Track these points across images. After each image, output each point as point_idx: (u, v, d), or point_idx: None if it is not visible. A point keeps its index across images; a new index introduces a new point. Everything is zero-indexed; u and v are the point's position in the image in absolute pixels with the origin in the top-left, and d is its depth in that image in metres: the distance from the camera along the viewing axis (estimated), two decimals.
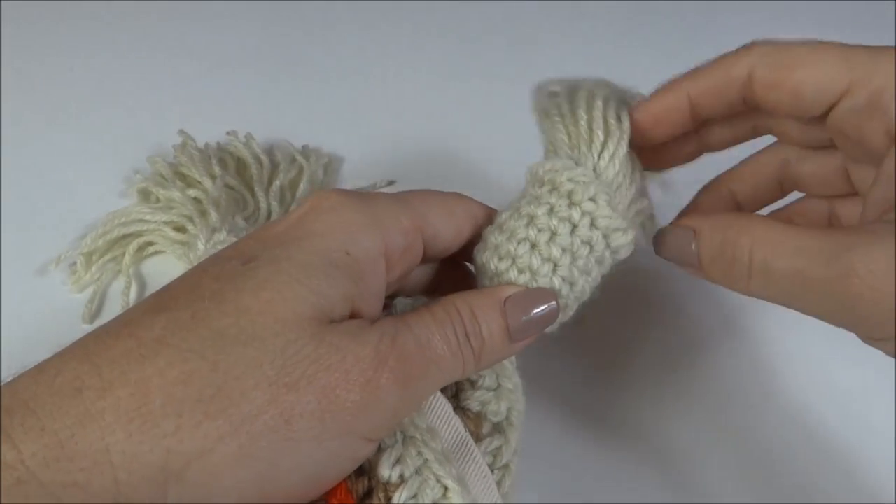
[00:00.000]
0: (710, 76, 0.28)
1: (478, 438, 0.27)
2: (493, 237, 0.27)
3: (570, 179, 0.27)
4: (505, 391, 0.28)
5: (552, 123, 0.29)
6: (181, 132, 0.43)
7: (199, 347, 0.20)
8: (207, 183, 0.39)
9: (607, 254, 0.27)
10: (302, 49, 0.54)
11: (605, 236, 0.27)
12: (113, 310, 0.37)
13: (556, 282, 0.26)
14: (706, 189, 0.32)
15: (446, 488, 0.23)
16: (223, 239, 0.35)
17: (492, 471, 0.26)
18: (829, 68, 0.25)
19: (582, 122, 0.28)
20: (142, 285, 0.39)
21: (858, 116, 0.25)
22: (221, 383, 0.20)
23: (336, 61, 0.53)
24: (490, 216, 0.28)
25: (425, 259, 0.27)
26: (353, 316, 0.23)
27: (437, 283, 0.30)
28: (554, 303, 0.26)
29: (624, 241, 0.27)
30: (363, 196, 0.25)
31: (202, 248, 0.36)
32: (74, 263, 0.38)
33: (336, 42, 0.55)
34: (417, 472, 0.23)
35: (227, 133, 0.44)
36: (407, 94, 0.51)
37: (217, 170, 0.40)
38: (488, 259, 0.27)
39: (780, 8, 0.62)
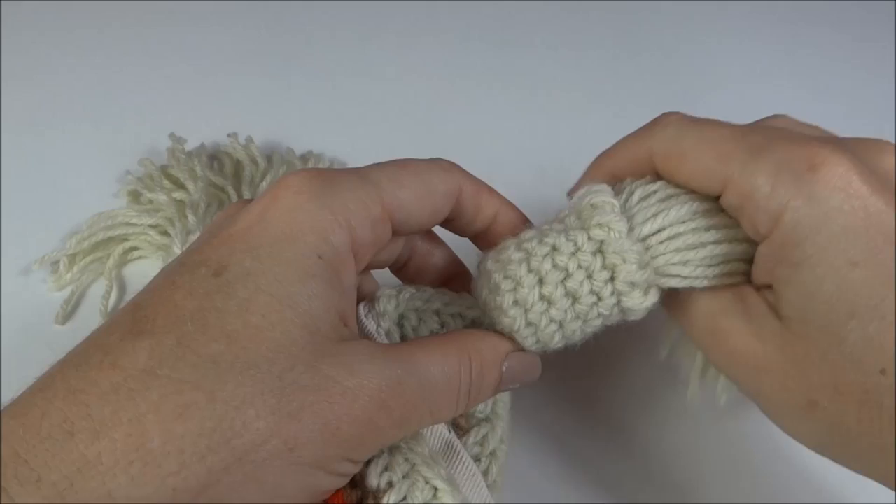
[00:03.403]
0: (623, 152, 0.28)
1: (465, 430, 0.27)
2: (508, 253, 0.26)
3: (603, 225, 0.25)
4: None
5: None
6: (171, 135, 0.43)
7: (191, 377, 0.19)
8: (190, 185, 0.39)
9: (616, 311, 0.26)
10: (306, 51, 0.54)
11: (620, 293, 0.25)
12: (89, 312, 0.37)
13: (544, 320, 0.25)
14: (590, 168, 0.30)
15: (436, 489, 0.23)
16: None
17: (479, 459, 0.27)
18: (707, 165, 0.25)
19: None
20: (122, 290, 0.38)
21: (734, 211, 0.25)
22: (222, 414, 0.19)
23: (340, 65, 0.53)
24: (477, 189, 0.27)
25: (394, 235, 0.26)
26: (342, 321, 0.23)
27: (407, 256, 0.29)
28: (537, 375, 0.27)
29: (639, 304, 0.25)
30: (327, 181, 0.24)
31: (178, 252, 0.35)
32: (57, 262, 0.38)
33: (341, 45, 0.55)
34: (406, 476, 0.24)
35: (228, 135, 0.44)
36: (411, 97, 0.51)
37: (199, 171, 0.40)
38: (494, 270, 0.26)
39: (780, 8, 0.62)
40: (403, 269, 0.29)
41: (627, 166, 0.28)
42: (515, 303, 0.25)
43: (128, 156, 0.43)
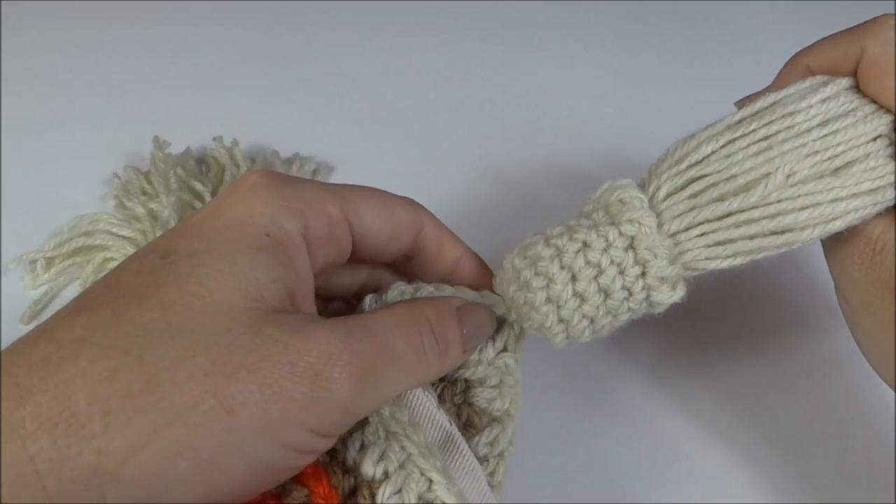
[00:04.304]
0: (828, 48, 0.27)
1: (478, 429, 0.27)
2: (537, 249, 0.26)
3: (634, 221, 0.25)
4: (507, 388, 0.28)
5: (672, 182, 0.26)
6: (154, 140, 0.43)
7: (122, 343, 0.19)
8: (163, 198, 0.39)
9: (644, 305, 0.26)
10: (295, 54, 0.54)
11: (650, 288, 0.26)
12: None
13: (576, 316, 0.25)
14: (787, 65, 0.30)
15: (431, 481, 0.23)
16: None
17: (488, 459, 0.26)
18: None
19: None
20: None
21: None
22: (150, 376, 0.19)
23: (337, 67, 0.53)
24: (440, 231, 0.27)
25: (357, 258, 0.26)
26: (291, 300, 0.22)
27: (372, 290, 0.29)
28: (494, 325, 0.27)
29: (668, 298, 0.26)
30: (287, 179, 0.24)
31: None
32: (35, 262, 0.38)
33: (339, 47, 0.55)
34: (401, 466, 0.23)
35: (213, 139, 0.44)
36: (408, 99, 0.51)
37: (173, 184, 0.39)
38: (524, 267, 0.26)
39: (779, 8, 0.61)
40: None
41: (829, 63, 0.27)
42: (548, 299, 0.25)
43: (128, 156, 0.44)
